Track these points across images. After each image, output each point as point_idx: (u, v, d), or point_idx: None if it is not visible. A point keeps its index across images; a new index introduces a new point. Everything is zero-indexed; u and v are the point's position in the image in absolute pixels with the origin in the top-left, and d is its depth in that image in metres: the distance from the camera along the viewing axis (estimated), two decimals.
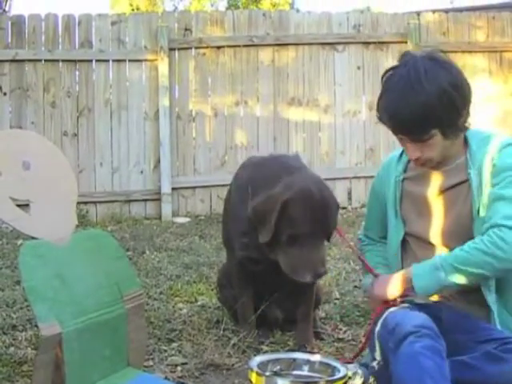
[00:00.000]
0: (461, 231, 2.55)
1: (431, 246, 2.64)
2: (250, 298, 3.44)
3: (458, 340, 2.44)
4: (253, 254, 3.20)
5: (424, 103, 2.40)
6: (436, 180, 2.62)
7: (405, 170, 2.75)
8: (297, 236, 2.91)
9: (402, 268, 2.68)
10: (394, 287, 2.56)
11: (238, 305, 3.46)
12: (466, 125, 2.54)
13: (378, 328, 2.46)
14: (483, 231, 2.42)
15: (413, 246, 2.72)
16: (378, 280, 2.67)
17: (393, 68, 2.54)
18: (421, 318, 2.37)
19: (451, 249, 2.53)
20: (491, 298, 2.50)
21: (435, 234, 2.63)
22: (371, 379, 2.43)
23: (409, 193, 2.71)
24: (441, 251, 2.60)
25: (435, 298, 2.60)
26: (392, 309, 2.51)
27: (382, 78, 2.56)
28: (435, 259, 2.47)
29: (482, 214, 2.49)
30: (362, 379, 2.38)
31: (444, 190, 2.60)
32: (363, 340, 2.87)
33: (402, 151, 2.75)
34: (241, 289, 3.46)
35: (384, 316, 2.47)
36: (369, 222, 3.00)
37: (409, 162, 2.73)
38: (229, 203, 3.47)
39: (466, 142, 2.59)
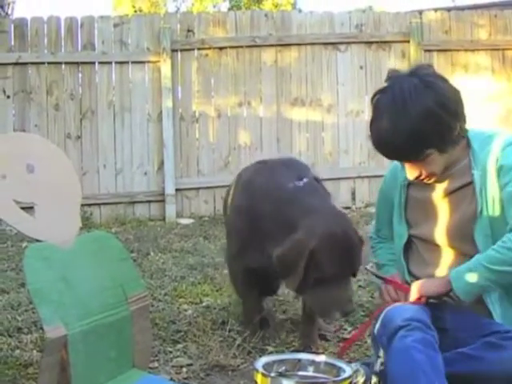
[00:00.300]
0: (466, 232, 2.54)
1: (437, 247, 2.64)
2: (255, 299, 3.44)
3: (461, 337, 2.45)
4: (261, 264, 3.18)
5: (412, 129, 2.37)
6: (440, 184, 2.61)
7: None
8: (324, 278, 2.86)
9: (407, 269, 2.71)
10: (433, 288, 2.53)
11: (243, 306, 3.46)
12: (463, 133, 2.52)
13: (377, 325, 2.46)
14: (508, 231, 2.41)
15: (419, 247, 2.72)
16: (419, 282, 2.61)
17: (380, 91, 2.51)
18: (411, 310, 2.37)
19: (457, 249, 2.55)
20: (491, 299, 2.50)
21: (441, 236, 2.62)
22: (375, 379, 2.43)
23: (413, 197, 2.71)
24: (447, 252, 2.60)
25: None
26: (390, 306, 2.50)
27: (372, 101, 2.53)
28: (470, 262, 2.44)
29: (485, 213, 2.49)
30: (364, 378, 2.38)
31: (449, 193, 2.60)
32: (363, 337, 2.90)
33: None
34: (245, 291, 3.47)
35: (383, 313, 2.47)
36: (378, 223, 2.99)
37: None
38: (236, 215, 3.41)
39: (467, 143, 2.57)
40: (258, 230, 3.14)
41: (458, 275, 2.44)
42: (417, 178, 2.54)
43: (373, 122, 2.50)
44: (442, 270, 2.61)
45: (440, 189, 2.61)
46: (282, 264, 2.89)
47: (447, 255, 2.62)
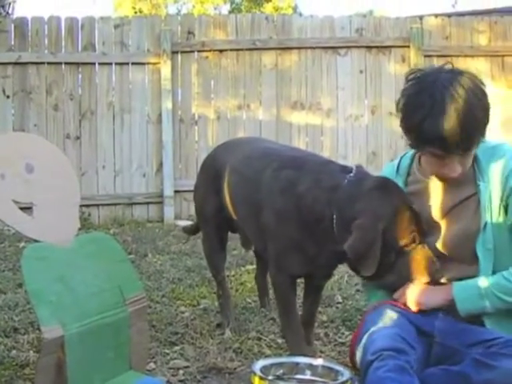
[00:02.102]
0: (467, 245, 2.52)
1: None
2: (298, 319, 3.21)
3: (449, 345, 2.44)
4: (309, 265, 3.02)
5: (475, 119, 2.37)
6: (441, 194, 2.59)
7: (405, 184, 2.73)
8: (401, 250, 2.68)
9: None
10: (433, 301, 2.52)
11: (290, 330, 3.16)
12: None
13: (357, 353, 2.45)
14: None
15: None
16: (412, 288, 2.58)
17: (411, 87, 2.46)
18: (381, 339, 2.33)
19: (455, 260, 2.53)
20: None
21: (440, 247, 2.60)
22: None
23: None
24: (444, 266, 2.57)
25: None
26: (371, 329, 2.45)
27: (403, 96, 2.48)
28: (479, 285, 2.43)
29: (489, 227, 2.47)
30: None
31: (451, 205, 2.58)
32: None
33: (398, 164, 2.75)
34: (292, 308, 3.15)
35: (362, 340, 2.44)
36: None
37: (408, 175, 2.72)
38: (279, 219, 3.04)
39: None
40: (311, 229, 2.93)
41: (463, 296, 2.44)
42: (441, 174, 2.50)
43: (418, 115, 2.40)
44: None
45: (441, 200, 2.59)
46: (357, 253, 2.66)
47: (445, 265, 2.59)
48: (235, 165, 3.39)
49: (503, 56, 8.35)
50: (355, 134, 8.28)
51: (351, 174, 2.81)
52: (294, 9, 26.52)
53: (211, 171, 3.62)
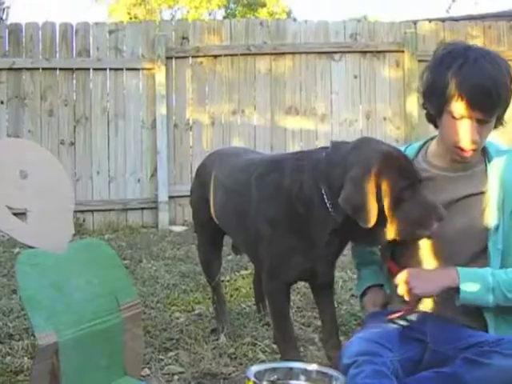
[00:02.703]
0: (467, 242, 2.50)
1: (433, 256, 2.57)
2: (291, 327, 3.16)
3: (441, 351, 2.41)
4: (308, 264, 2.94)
5: (508, 78, 2.40)
6: (448, 186, 2.55)
7: None
8: (401, 196, 2.56)
9: (396, 262, 2.62)
10: (433, 285, 2.42)
11: (282, 338, 3.10)
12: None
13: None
14: None
15: (411, 254, 2.63)
16: (413, 273, 2.47)
17: (442, 51, 2.53)
18: (357, 343, 2.31)
19: (450, 262, 2.48)
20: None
21: (437, 244, 2.56)
22: None
23: None
24: (441, 263, 2.54)
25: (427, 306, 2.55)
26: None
27: (440, 57, 2.52)
28: (488, 278, 2.38)
29: (501, 227, 2.45)
30: None
31: (457, 199, 2.54)
32: None
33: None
34: (284, 321, 3.09)
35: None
36: None
37: None
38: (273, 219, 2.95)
39: (483, 150, 2.55)
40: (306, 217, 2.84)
41: (469, 285, 2.38)
42: (472, 143, 2.45)
43: (466, 65, 2.40)
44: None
45: (448, 192, 2.55)
46: (353, 204, 2.54)
47: (443, 256, 2.55)
48: (220, 178, 3.40)
49: None
50: (350, 138, 8.11)
51: (328, 149, 2.80)
52: (289, 14, 26.60)
53: (202, 180, 3.62)
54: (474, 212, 2.51)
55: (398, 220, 2.55)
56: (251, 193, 3.02)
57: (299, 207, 2.79)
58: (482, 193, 2.51)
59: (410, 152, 2.72)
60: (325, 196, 2.68)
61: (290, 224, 2.85)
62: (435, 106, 2.50)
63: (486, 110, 2.40)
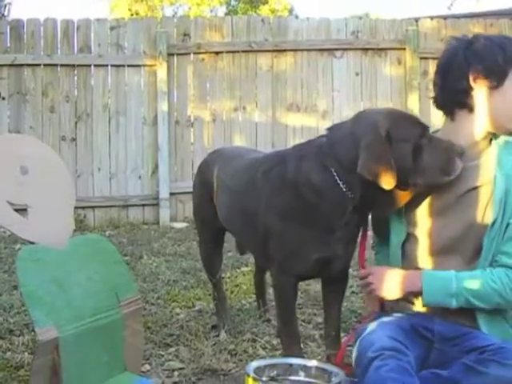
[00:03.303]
0: (471, 240, 2.45)
1: (434, 251, 2.53)
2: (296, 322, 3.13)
3: (446, 351, 2.41)
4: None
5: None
6: (452, 183, 2.48)
7: None
8: (419, 143, 2.55)
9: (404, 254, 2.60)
10: (396, 289, 2.46)
11: (286, 333, 3.08)
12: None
13: (354, 353, 2.41)
14: (502, 264, 2.36)
15: (413, 250, 2.60)
16: (377, 273, 2.54)
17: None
18: (380, 339, 2.30)
19: (453, 257, 2.46)
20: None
21: (440, 239, 2.52)
22: None
23: (418, 193, 2.55)
24: (443, 259, 2.50)
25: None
26: (368, 329, 2.42)
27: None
28: (451, 283, 2.37)
29: (499, 222, 2.39)
30: None
31: (461, 192, 2.47)
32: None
33: None
34: (290, 315, 3.06)
35: (357, 341, 2.40)
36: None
37: None
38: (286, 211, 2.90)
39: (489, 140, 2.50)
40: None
41: (432, 290, 2.39)
42: None
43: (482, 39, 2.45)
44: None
45: (451, 184, 2.48)
46: (372, 170, 2.51)
47: (443, 262, 2.51)
48: (223, 178, 3.38)
49: None
50: None
51: (327, 134, 2.77)
52: (290, 11, 26.56)
53: (204, 177, 3.61)
54: (475, 207, 2.45)
55: (423, 167, 2.52)
56: (258, 190, 2.99)
57: (310, 196, 2.74)
58: (485, 185, 2.44)
59: None
60: (336, 177, 2.64)
61: (303, 214, 2.79)
62: (494, 75, 2.42)
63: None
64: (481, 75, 2.41)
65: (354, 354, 2.42)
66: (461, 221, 2.47)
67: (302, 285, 4.40)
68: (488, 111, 2.44)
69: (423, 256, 2.56)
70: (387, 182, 2.46)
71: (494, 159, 2.46)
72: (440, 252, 2.53)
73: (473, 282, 2.36)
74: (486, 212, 2.43)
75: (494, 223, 2.39)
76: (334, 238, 2.78)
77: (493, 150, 2.49)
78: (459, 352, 2.36)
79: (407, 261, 2.60)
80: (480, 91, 2.42)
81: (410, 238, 2.60)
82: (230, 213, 3.34)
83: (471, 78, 2.42)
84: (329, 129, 2.80)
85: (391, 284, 2.48)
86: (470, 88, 2.43)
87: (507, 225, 2.38)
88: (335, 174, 2.65)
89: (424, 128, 2.54)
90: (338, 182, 2.64)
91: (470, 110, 2.46)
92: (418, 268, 2.53)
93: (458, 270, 2.43)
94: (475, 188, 2.46)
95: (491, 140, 2.51)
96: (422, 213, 2.56)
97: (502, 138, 2.49)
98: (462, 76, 2.43)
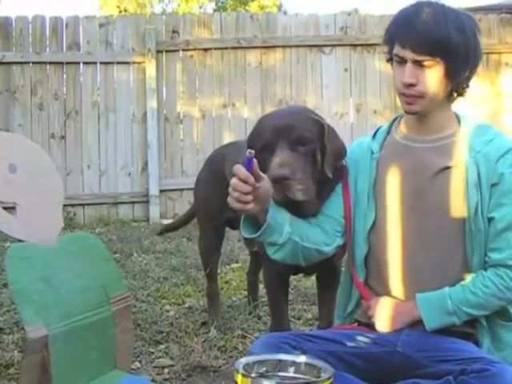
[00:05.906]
0: (451, 229, 2.32)
1: (403, 246, 2.39)
2: (286, 304, 3.20)
3: (413, 357, 2.29)
4: None
5: (457, 21, 2.43)
6: (421, 158, 2.36)
7: (381, 147, 2.49)
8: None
9: (365, 266, 2.48)
10: (396, 322, 2.37)
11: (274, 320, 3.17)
12: (461, 91, 2.39)
13: None
14: (493, 263, 2.28)
15: (378, 246, 2.44)
16: (374, 307, 2.42)
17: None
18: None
19: (428, 253, 2.34)
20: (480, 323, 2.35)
21: (411, 228, 2.38)
22: None
23: (386, 173, 2.43)
24: (413, 253, 2.37)
25: None
26: None
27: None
28: (447, 302, 2.28)
29: (479, 209, 2.27)
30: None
31: (431, 173, 2.34)
32: None
33: (376, 131, 2.57)
34: (278, 298, 3.14)
35: None
36: None
37: (384, 140, 2.50)
38: None
39: (457, 120, 2.41)
40: None
41: (430, 315, 2.30)
42: (408, 87, 2.31)
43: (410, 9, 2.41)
44: (403, 276, 2.39)
45: (421, 164, 2.36)
46: None
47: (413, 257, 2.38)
48: None
49: (488, 53, 8.39)
50: (340, 131, 8.03)
51: None
52: (279, 7, 26.58)
53: (216, 170, 3.55)
54: (448, 189, 2.33)
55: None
56: None
57: None
58: (456, 166, 2.33)
59: (383, 128, 2.59)
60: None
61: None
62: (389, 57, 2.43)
63: (416, 48, 2.28)
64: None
65: None
66: (435, 207, 2.34)
67: (291, 281, 4.40)
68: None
69: (390, 247, 2.42)
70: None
71: (464, 142, 2.35)
72: (410, 244, 2.38)
73: (465, 294, 2.29)
74: (461, 198, 2.30)
75: (476, 208, 2.28)
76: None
77: (462, 131, 2.38)
78: (428, 360, 2.26)
79: (372, 252, 2.47)
80: None
81: (376, 225, 2.44)
82: None
83: None
84: None
85: (389, 318, 2.39)
86: None
87: (489, 220, 2.28)
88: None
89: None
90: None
91: None
92: (382, 261, 2.42)
93: (430, 264, 2.34)
94: (445, 169, 2.33)
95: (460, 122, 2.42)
96: (392, 195, 2.41)
97: (470, 121, 2.41)
98: None
